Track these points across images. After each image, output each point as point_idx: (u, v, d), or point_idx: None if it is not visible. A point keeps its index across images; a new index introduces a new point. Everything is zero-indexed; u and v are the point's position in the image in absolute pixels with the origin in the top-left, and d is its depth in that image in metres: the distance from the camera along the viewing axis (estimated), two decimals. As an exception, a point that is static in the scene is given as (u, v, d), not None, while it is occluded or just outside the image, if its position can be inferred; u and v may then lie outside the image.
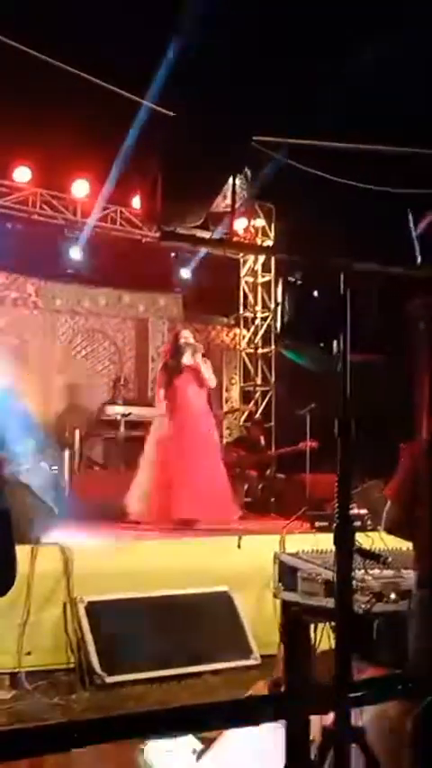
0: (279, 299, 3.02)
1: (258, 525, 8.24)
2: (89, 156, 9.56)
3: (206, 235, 2.84)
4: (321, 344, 2.95)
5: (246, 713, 2.03)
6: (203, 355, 8.05)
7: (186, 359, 7.65)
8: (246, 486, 10.02)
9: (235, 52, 5.47)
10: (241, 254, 12.35)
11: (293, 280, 3.02)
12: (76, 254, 10.62)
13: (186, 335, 7.86)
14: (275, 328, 10.81)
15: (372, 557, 3.46)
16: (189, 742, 3.45)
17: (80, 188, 10.40)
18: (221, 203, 2.96)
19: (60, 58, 5.77)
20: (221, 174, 2.72)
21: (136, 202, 10.37)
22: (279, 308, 2.97)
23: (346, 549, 2.72)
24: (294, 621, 3.39)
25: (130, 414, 10.06)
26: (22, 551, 5.35)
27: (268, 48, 5.69)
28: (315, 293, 2.94)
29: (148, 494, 7.43)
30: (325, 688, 2.81)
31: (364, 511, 6.47)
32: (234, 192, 2.80)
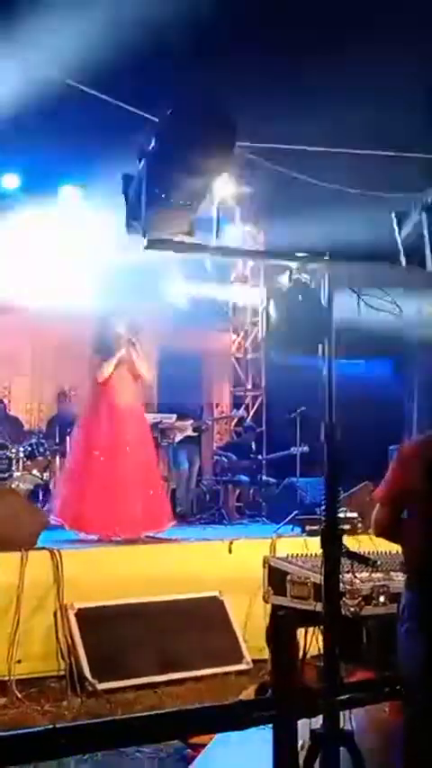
0: (265, 304, 3.03)
1: (250, 530, 8.25)
2: (76, 162, 9.57)
3: (193, 241, 2.85)
4: (307, 348, 2.97)
5: (233, 718, 2.03)
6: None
7: (119, 352, 6.84)
8: (237, 492, 10.02)
9: (220, 56, 5.51)
10: (229, 260, 12.36)
11: (279, 284, 3.04)
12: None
13: (116, 323, 6.94)
14: (264, 333, 10.81)
15: (360, 560, 3.46)
16: None
17: (68, 195, 10.39)
18: (209, 209, 2.97)
19: (45, 66, 5.79)
20: (206, 179, 2.74)
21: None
22: (264, 313, 2.99)
23: (333, 552, 2.73)
24: (282, 625, 3.39)
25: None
26: (12, 558, 5.34)
27: (253, 52, 5.73)
28: (300, 298, 2.96)
29: (76, 498, 6.71)
30: (312, 691, 2.81)
31: (353, 514, 6.46)
32: (219, 197, 2.82)
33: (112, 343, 6.89)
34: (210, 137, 2.84)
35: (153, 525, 6.82)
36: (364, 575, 3.50)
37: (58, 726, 2.27)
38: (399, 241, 3.17)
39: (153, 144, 2.79)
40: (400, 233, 3.17)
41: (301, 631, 3.53)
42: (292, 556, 3.81)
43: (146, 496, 6.80)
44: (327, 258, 2.96)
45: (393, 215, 3.16)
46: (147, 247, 2.96)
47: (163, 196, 2.85)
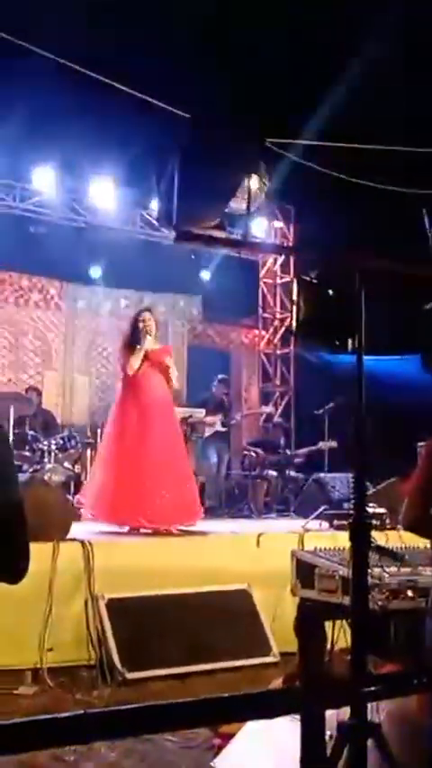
0: (295, 298, 3.04)
1: (278, 524, 8.28)
2: (110, 158, 9.66)
3: (222, 236, 2.87)
4: (337, 342, 2.98)
5: (259, 707, 2.06)
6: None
7: (149, 344, 6.98)
8: (266, 487, 10.05)
9: (252, 53, 5.52)
10: (260, 256, 12.39)
11: (309, 279, 3.05)
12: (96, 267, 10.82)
13: (147, 317, 7.08)
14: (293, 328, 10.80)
15: (389, 554, 3.47)
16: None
17: (100, 190, 10.48)
18: (239, 204, 2.99)
19: (79, 62, 5.84)
20: (237, 174, 2.76)
21: (155, 204, 10.43)
22: (295, 307, 3.00)
23: (361, 546, 2.73)
24: (309, 618, 3.41)
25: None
26: (44, 548, 5.42)
27: (284, 49, 5.73)
28: (330, 292, 2.97)
29: (106, 490, 6.76)
30: (340, 682, 2.83)
31: (382, 509, 6.46)
32: (249, 192, 2.84)
33: (141, 336, 6.96)
34: (241, 132, 2.87)
35: (185, 518, 6.87)
36: (393, 569, 3.50)
37: (87, 711, 2.31)
38: (429, 236, 3.17)
39: (186, 139, 2.82)
40: (430, 228, 3.17)
41: (328, 625, 3.55)
42: (320, 549, 3.82)
43: (176, 489, 6.84)
44: (355, 254, 2.97)
45: (425, 211, 3.16)
46: (176, 240, 2.99)
47: (194, 191, 2.88)
